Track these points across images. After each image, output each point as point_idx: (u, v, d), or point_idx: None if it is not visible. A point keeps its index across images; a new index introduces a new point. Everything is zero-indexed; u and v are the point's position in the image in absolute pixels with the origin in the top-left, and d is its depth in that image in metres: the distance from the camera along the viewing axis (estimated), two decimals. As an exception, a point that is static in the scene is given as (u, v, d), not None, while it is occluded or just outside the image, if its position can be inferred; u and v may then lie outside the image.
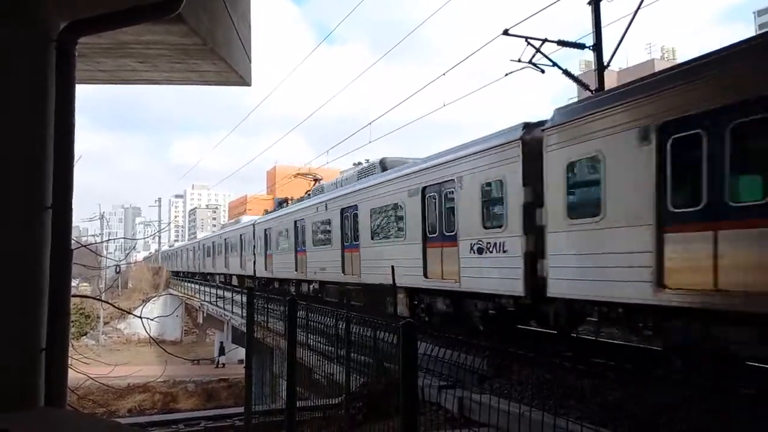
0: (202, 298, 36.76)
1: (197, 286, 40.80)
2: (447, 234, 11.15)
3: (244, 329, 8.43)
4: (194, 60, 4.68)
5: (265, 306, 9.53)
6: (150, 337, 6.53)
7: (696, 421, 5.66)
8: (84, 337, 45.59)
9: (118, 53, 4.49)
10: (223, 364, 36.39)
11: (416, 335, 3.28)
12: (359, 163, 19.78)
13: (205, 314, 37.98)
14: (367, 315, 7.51)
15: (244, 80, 5.24)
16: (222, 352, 36.65)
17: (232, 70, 4.91)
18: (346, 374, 7.69)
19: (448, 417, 6.91)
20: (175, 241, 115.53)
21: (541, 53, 13.41)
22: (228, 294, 29.01)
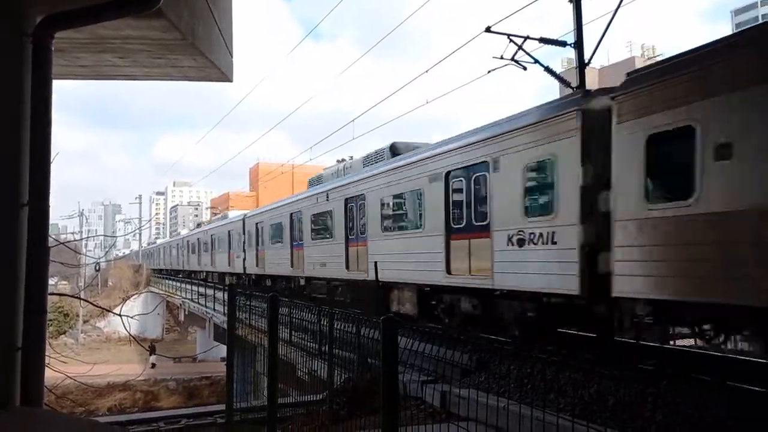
0: (184, 296, 36.47)
1: (179, 284, 40.42)
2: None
3: (226, 326, 8.40)
4: (175, 55, 4.64)
5: (247, 303, 9.49)
6: (130, 335, 6.45)
7: (674, 413, 5.77)
8: (63, 336, 44.94)
9: (97, 48, 4.43)
10: (154, 365, 35.04)
11: (397, 330, 3.31)
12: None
13: (186, 312, 37.70)
14: (350, 311, 7.52)
15: (225, 76, 5.20)
16: (153, 351, 35.59)
17: (212, 65, 4.87)
18: (328, 370, 7.70)
19: (430, 411, 6.96)
20: (156, 238, 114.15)
21: (524, 50, 13.52)
22: (210, 291, 28.80)
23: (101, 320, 47.43)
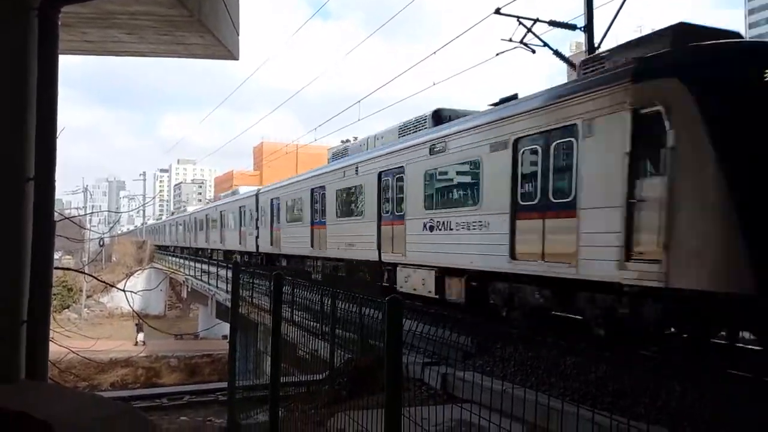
0: (187, 273, 36.65)
1: (182, 261, 40.61)
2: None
3: (229, 304, 8.45)
4: (181, 32, 4.59)
5: (251, 281, 9.52)
6: (133, 310, 6.50)
7: (675, 400, 5.80)
8: (66, 310, 45.34)
9: (104, 23, 4.39)
10: (144, 342, 35.36)
11: (402, 312, 3.31)
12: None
13: (189, 289, 37.88)
14: (353, 291, 7.56)
15: (231, 54, 5.15)
16: (140, 329, 36.02)
17: (219, 43, 4.82)
18: (330, 350, 7.76)
19: (431, 393, 7.02)
20: (161, 215, 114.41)
21: (533, 33, 13.35)
22: (213, 269, 28.92)
23: (104, 295, 47.82)
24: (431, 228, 11.19)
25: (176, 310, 52.24)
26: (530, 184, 8.72)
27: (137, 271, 50.71)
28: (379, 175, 13.42)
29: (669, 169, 6.22)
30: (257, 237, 23.72)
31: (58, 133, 3.28)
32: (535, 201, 8.55)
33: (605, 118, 7.11)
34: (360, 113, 23.64)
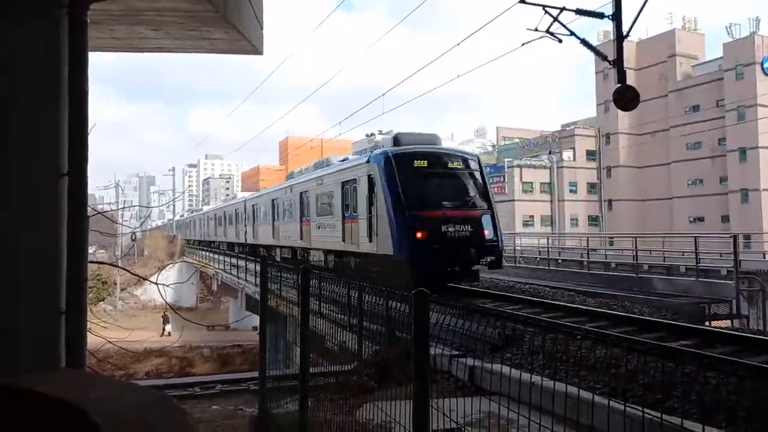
0: (217, 267, 37.28)
1: (212, 255, 41.33)
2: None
3: (258, 297, 8.55)
4: (206, 27, 4.62)
5: (278, 275, 9.63)
6: (166, 302, 6.62)
7: (709, 393, 5.67)
8: (101, 302, 46.51)
9: (131, 20, 4.45)
10: (169, 333, 36.46)
11: (428, 304, 3.30)
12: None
13: (219, 282, 38.55)
14: (380, 284, 7.58)
15: (255, 49, 5.17)
16: (166, 320, 37.08)
17: (243, 38, 4.84)
18: (358, 342, 7.79)
19: (459, 385, 7.00)
20: (191, 210, 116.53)
21: (559, 22, 13.09)
22: (242, 263, 29.33)
23: (138, 288, 48.91)
24: (319, 227, 20.21)
25: (208, 303, 53.18)
26: (347, 205, 17.92)
27: (169, 264, 51.70)
28: (300, 194, 22.52)
29: (375, 202, 15.67)
30: (245, 232, 34.22)
31: (89, 129, 3.34)
32: (348, 214, 17.66)
33: (361, 177, 16.56)
34: (384, 107, 23.73)
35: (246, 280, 26.41)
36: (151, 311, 44.99)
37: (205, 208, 67.41)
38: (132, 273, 18.06)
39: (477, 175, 16.72)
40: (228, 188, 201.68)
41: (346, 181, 18.05)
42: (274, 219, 27.20)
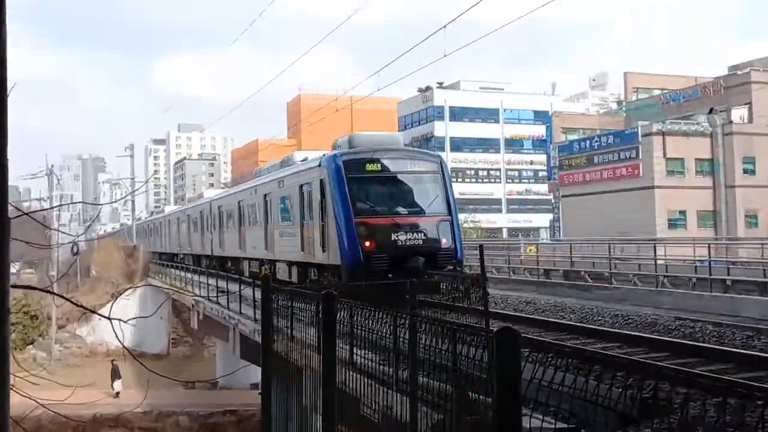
0: (197, 293, 38.00)
1: (190, 275, 42.14)
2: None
3: (259, 338, 8.63)
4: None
5: (289, 304, 9.69)
6: (124, 347, 6.75)
7: None
8: (30, 346, 48.06)
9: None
10: (118, 393, 37.23)
11: (518, 349, 3.27)
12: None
13: (201, 316, 39.21)
14: (442, 319, 7.56)
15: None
16: (116, 374, 37.89)
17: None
18: (411, 408, 7.80)
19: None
20: (156, 207, 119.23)
21: None
22: (234, 287, 29.79)
23: (83, 325, 50.10)
24: (282, 235, 26.83)
25: (184, 347, 54.25)
26: (303, 212, 23.62)
27: (127, 289, 52.75)
28: (264, 196, 28.17)
29: (326, 209, 21.54)
30: (211, 241, 42.40)
31: (8, 90, 3.40)
32: (305, 221, 23.45)
33: (314, 182, 22.15)
34: (446, 47, 23.21)
35: (240, 312, 26.81)
36: (102, 360, 46.17)
37: (168, 209, 72.73)
38: (74, 303, 18.68)
39: (437, 178, 22.18)
40: (213, 174, 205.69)
41: (302, 185, 23.81)
42: (240, 225, 33.86)
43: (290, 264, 26.08)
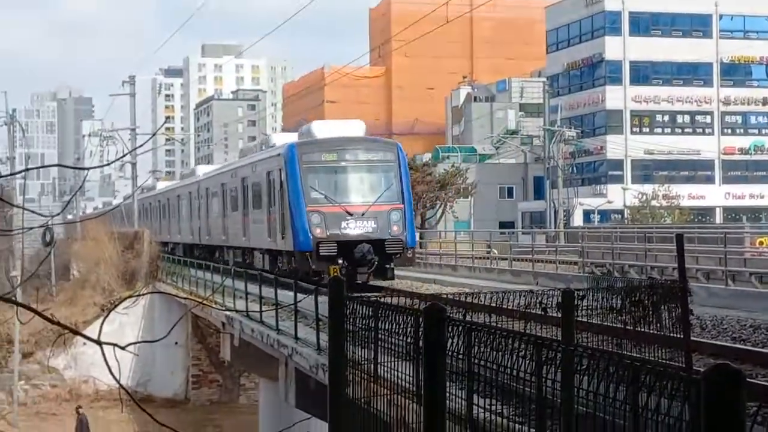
0: (229, 304, 38.58)
1: (218, 277, 42.79)
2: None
3: (324, 377, 8.69)
4: None
5: (371, 324, 9.70)
6: (121, 386, 6.79)
7: None
8: (-15, 384, 49.57)
9: None
10: None
11: (742, 401, 3.19)
12: None
13: (236, 341, 39.88)
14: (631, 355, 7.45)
15: None
16: (83, 427, 38.84)
17: None
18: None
19: None
20: (166, 173, 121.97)
21: None
22: (284, 293, 30.04)
23: (59, 353, 51.43)
24: (255, 222, 44.18)
25: (211, 388, 55.07)
26: (269, 198, 40.44)
27: (126, 299, 53.55)
28: (242, 179, 45.97)
29: (283, 196, 37.66)
30: (199, 228, 58.96)
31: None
32: (270, 208, 39.63)
33: (274, 170, 39.19)
34: None
35: (296, 337, 27.15)
36: (88, 403, 47.34)
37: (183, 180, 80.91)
38: (47, 318, 19.29)
39: (392, 167, 35.91)
40: (255, 121, 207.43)
41: (269, 172, 38.62)
42: (224, 210, 50.36)
43: (262, 252, 41.94)
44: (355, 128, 38.91)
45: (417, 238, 46.08)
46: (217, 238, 52.38)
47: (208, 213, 55.47)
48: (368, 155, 36.36)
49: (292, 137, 41.23)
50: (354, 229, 33.89)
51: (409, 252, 36.18)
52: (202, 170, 66.42)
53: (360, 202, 34.69)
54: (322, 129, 37.63)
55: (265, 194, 39.75)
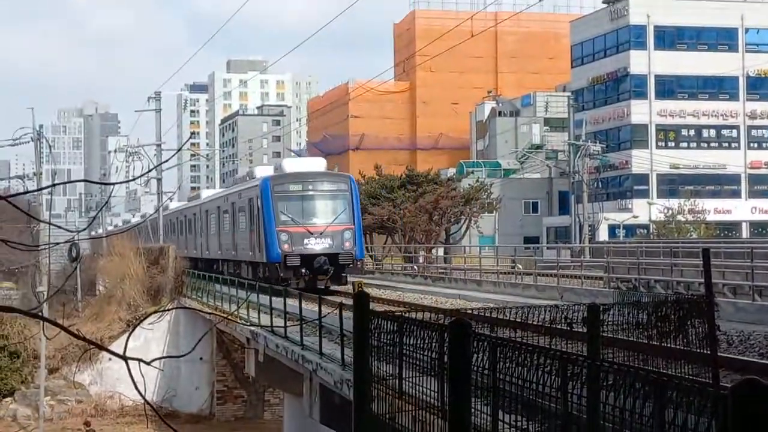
0: (254, 320, 38.56)
1: (243, 293, 42.86)
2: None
3: (349, 393, 8.67)
4: None
5: (396, 339, 9.68)
6: (146, 401, 6.86)
7: None
8: (8, 399, 49.74)
9: None
10: None
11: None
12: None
13: (261, 357, 39.88)
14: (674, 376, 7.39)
15: None
16: None
17: None
18: None
19: None
20: (192, 190, 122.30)
21: None
22: (308, 308, 29.97)
23: (85, 369, 51.49)
24: (242, 238, 59.65)
25: (236, 404, 55.01)
26: (251, 219, 54.97)
27: (152, 314, 53.73)
28: (232, 204, 60.16)
29: (260, 219, 52.56)
30: (201, 244, 71.73)
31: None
32: (252, 227, 53.91)
33: (254, 198, 53.80)
34: None
35: (321, 353, 27.13)
36: (113, 419, 47.51)
37: (204, 194, 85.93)
38: (73, 334, 19.32)
39: (345, 195, 49.82)
40: (279, 136, 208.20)
41: (250, 198, 52.47)
42: (219, 229, 63.16)
43: (246, 264, 54.84)
44: (318, 164, 54.95)
45: (365, 252, 59.33)
46: (215, 252, 65.12)
47: (208, 231, 68.12)
48: (326, 186, 50.59)
49: (269, 171, 56.44)
50: (314, 245, 47.04)
51: (359, 263, 49.84)
52: (205, 194, 78.70)
53: (319, 224, 47.88)
54: (292, 165, 55.08)
55: (247, 217, 53.24)
